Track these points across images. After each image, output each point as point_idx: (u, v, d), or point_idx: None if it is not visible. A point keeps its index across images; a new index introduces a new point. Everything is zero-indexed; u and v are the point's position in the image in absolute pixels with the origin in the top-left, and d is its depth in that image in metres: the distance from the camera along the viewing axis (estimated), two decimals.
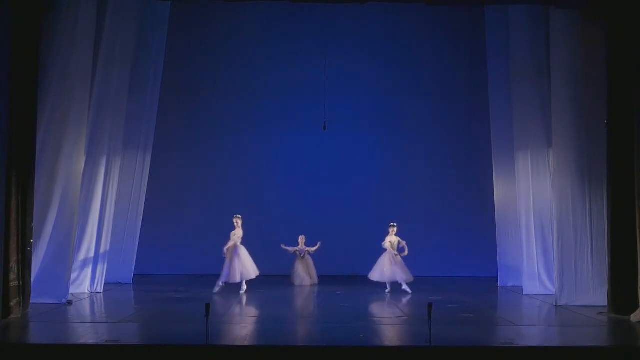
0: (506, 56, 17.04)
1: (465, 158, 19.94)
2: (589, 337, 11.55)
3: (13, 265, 12.58)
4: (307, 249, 17.81)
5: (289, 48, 19.99)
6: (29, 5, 13.05)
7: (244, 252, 16.03)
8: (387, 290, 16.20)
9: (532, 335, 11.67)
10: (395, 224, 16.51)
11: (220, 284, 15.74)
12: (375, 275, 16.42)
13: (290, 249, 17.83)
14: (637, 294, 12.77)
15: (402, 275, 16.15)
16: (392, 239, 16.37)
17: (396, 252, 16.23)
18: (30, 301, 13.15)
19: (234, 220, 16.18)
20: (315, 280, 17.77)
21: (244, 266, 15.94)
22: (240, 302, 14.84)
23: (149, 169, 18.16)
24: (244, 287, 15.90)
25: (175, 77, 19.40)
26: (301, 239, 17.86)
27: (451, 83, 20.07)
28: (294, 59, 19.94)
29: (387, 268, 16.21)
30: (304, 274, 17.68)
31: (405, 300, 15.30)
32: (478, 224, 19.26)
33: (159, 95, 18.24)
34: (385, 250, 16.37)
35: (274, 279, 17.88)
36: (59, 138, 14.01)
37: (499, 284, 17.55)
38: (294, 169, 20.06)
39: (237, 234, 16.03)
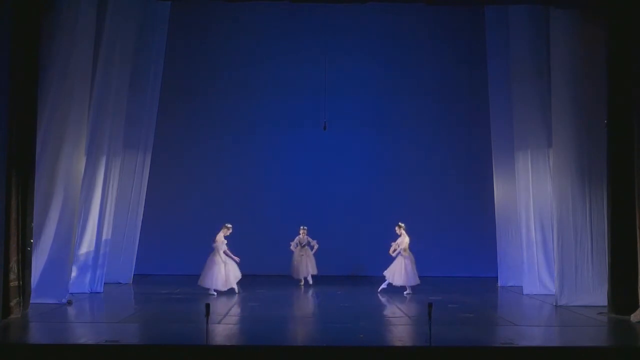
0: (506, 56, 17.04)
1: (465, 158, 19.92)
2: (589, 337, 11.55)
3: (13, 265, 12.58)
4: (309, 239, 17.63)
5: (289, 48, 19.99)
6: (29, 5, 13.07)
7: (229, 259, 15.98)
8: (407, 292, 16.12)
9: (532, 335, 11.67)
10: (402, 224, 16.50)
11: (212, 292, 15.63)
12: (399, 279, 16.34)
13: (294, 243, 17.67)
14: (637, 294, 12.77)
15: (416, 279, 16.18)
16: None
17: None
18: (30, 301, 13.15)
19: (225, 229, 16.00)
20: (315, 270, 17.60)
21: (231, 273, 15.87)
22: (240, 302, 14.83)
23: (149, 169, 18.16)
24: (238, 289, 15.86)
25: (175, 77, 19.38)
26: (302, 231, 17.69)
27: (451, 83, 20.05)
28: (294, 59, 19.92)
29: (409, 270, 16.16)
30: (305, 266, 17.50)
31: (405, 300, 15.30)
32: (478, 224, 19.25)
33: (159, 95, 18.23)
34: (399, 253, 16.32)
35: (274, 279, 17.89)
36: (59, 138, 14.02)
37: (499, 284, 17.55)
38: (294, 170, 20.05)
39: (223, 241, 15.89)
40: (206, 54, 20.09)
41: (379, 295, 15.92)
